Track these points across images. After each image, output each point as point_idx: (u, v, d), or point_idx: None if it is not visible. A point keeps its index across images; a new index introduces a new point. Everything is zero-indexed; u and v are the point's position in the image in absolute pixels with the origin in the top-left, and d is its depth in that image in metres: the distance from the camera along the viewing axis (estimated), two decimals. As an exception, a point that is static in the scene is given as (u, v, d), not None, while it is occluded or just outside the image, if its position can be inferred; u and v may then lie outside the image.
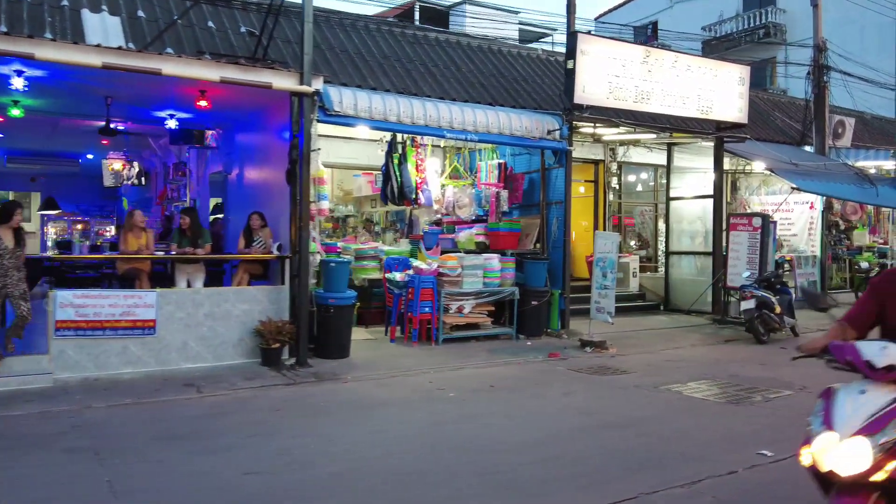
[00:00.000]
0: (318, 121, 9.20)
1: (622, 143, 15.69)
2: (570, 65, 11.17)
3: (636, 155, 16.13)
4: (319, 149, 9.28)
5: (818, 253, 16.57)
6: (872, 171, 17.21)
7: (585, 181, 16.59)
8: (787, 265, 16.17)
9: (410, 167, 11.10)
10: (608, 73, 11.47)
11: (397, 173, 10.96)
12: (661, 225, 16.46)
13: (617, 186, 16.57)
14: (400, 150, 11.07)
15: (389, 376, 8.44)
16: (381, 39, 12.78)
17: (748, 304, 11.40)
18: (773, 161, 13.73)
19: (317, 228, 9.40)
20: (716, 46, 29.42)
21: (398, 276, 10.68)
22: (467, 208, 11.69)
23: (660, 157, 15.96)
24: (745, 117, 13.27)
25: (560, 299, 11.57)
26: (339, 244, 12.63)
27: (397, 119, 9.78)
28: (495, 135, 10.74)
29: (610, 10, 36.32)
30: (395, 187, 10.94)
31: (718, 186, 13.91)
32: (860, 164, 16.93)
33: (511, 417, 6.61)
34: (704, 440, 5.96)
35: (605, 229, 16.39)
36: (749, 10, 30.40)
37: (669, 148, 15.27)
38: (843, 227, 18.15)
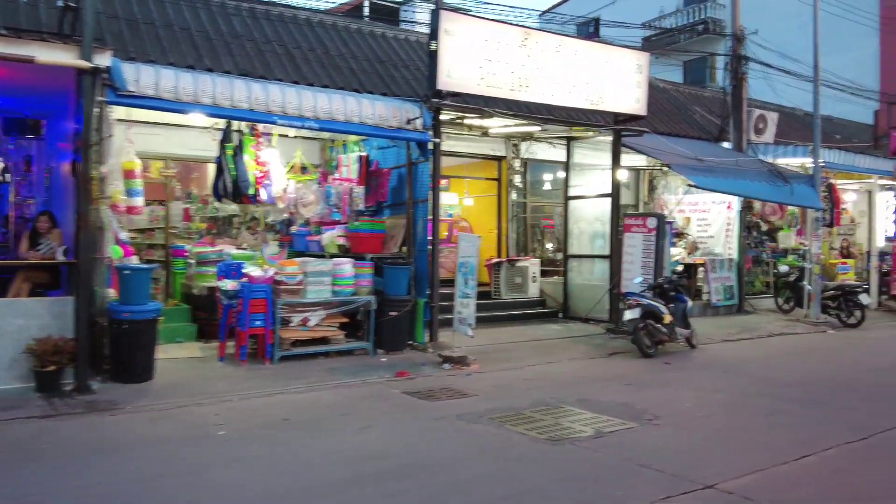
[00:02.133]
0: (109, 102, 7.84)
1: (523, 137, 14.54)
2: (433, 46, 9.91)
3: (540, 151, 14.96)
4: (112, 135, 7.92)
5: (735, 256, 15.53)
6: (797, 168, 16.22)
7: (488, 179, 15.41)
8: (699, 269, 15.15)
9: (248, 159, 9.73)
10: (479, 57, 10.22)
11: (231, 166, 9.60)
12: (572, 226, 15.30)
13: (522, 185, 15.40)
14: (235, 140, 9.71)
15: (177, 406, 7.10)
16: (236, 19, 11.46)
17: (632, 314, 10.22)
18: (671, 156, 12.60)
19: (110, 228, 8.01)
20: (656, 42, 28.57)
21: (229, 284, 9.32)
22: (313, 206, 10.34)
23: (565, 154, 14.82)
24: (643, 108, 12.09)
25: (426, 309, 10.31)
26: (187, 247, 11.30)
27: (212, 102, 8.41)
28: (342, 123, 9.42)
29: (557, 5, 35.72)
30: (227, 182, 9.57)
31: (616, 184, 12.72)
32: (782, 161, 15.90)
33: (252, 469, 5.28)
34: (473, 501, 4.71)
35: (507, 230, 15.26)
36: (689, 6, 29.65)
37: (569, 143, 14.12)
38: (765, 228, 17.17)
